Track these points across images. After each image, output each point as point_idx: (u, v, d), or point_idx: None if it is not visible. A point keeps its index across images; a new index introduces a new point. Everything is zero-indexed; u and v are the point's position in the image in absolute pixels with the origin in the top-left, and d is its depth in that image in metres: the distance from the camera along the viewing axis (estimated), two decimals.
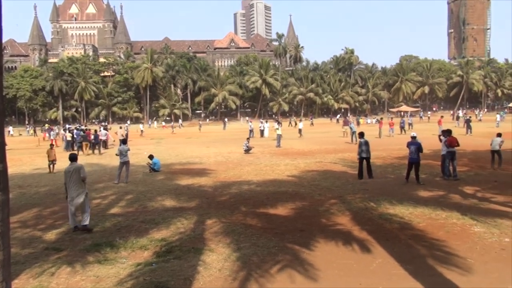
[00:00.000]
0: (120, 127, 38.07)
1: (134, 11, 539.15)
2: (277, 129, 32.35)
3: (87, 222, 9.62)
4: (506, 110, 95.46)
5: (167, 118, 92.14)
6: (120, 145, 16.98)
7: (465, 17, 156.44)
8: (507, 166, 17.06)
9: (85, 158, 24.46)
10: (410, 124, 45.38)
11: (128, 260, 7.57)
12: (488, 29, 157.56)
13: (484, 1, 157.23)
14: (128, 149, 16.78)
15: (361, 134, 16.32)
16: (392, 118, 46.23)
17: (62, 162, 23.82)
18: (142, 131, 53.74)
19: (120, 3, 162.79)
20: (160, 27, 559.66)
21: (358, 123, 60.13)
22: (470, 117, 44.20)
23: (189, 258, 7.52)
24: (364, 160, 15.66)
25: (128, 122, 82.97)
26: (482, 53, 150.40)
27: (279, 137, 30.67)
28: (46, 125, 63.30)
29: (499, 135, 17.95)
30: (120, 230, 9.52)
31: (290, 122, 68.64)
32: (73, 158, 10.18)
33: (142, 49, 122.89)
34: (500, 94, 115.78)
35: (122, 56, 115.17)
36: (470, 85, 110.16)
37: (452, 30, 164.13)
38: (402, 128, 40.47)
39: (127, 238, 8.86)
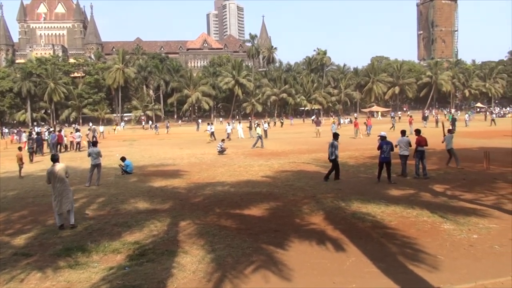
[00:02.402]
0: (89, 129, 37.54)
1: (104, 11, 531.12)
2: (256, 129, 32.29)
3: (73, 221, 9.93)
4: (473, 110, 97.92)
5: (141, 118, 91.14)
6: (90, 147, 16.71)
7: (434, 19, 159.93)
8: (474, 164, 17.49)
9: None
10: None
11: (100, 264, 7.44)
12: (455, 31, 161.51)
13: (452, 3, 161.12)
14: (99, 151, 16.50)
15: (335, 136, 16.34)
16: (369, 117, 46.81)
17: (28, 166, 23.33)
18: (102, 133, 51.47)
19: (90, 3, 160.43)
20: (131, 27, 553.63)
21: (339, 123, 60.78)
22: (453, 115, 45.29)
23: (162, 260, 7.45)
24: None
25: (91, 124, 79.79)
26: (450, 55, 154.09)
27: (258, 137, 30.65)
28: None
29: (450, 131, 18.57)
30: (91, 234, 9.36)
31: (269, 123, 68.07)
32: (55, 159, 10.38)
33: (113, 49, 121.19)
34: (467, 94, 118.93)
35: (92, 56, 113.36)
36: (439, 85, 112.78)
37: (422, 32, 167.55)
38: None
39: (99, 241, 8.72)
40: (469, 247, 7.76)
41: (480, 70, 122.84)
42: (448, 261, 7.10)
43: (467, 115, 56.95)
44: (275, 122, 61.63)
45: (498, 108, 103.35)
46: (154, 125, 66.75)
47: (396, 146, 15.36)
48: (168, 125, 64.38)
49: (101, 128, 53.89)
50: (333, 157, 15.43)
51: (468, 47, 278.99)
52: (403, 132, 15.94)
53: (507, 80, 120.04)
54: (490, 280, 6.29)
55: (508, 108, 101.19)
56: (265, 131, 40.84)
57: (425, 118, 54.36)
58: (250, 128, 44.13)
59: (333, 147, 15.47)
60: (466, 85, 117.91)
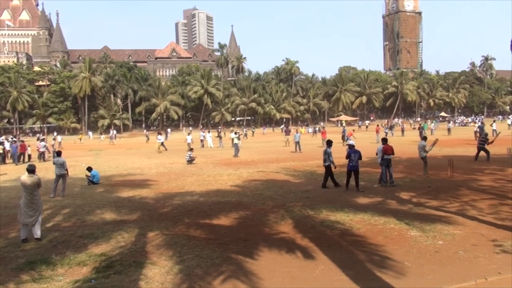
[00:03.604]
0: (54, 139, 36.66)
1: (71, 18, 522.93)
2: (234, 138, 32.23)
3: (39, 234, 9.62)
4: (438, 119, 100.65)
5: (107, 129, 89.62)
6: (55, 157, 16.31)
7: (399, 30, 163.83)
8: (439, 172, 17.91)
9: (17, 171, 23.25)
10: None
11: (65, 277, 7.23)
12: (420, 42, 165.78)
13: (416, 15, 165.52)
14: (64, 161, 16.12)
15: (329, 143, 16.36)
16: (353, 130, 47.49)
17: None
18: (60, 143, 47.19)
19: (56, 10, 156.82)
20: (99, 35, 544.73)
21: (314, 131, 61.49)
22: (420, 125, 46.42)
23: (130, 272, 7.30)
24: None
25: (55, 133, 77.21)
26: (415, 65, 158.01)
27: (236, 146, 30.54)
28: None
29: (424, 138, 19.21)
30: (56, 246, 9.10)
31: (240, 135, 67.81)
32: (32, 170, 10.17)
33: (80, 58, 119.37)
34: (432, 103, 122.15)
35: (58, 65, 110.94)
36: (404, 95, 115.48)
37: (387, 43, 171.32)
38: (343, 137, 41.43)
39: (64, 254, 8.48)
40: (434, 253, 7.91)
41: (443, 81, 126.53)
42: (415, 267, 7.22)
43: (433, 124, 58.78)
44: (245, 134, 61.46)
45: (462, 118, 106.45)
46: (111, 135, 64.09)
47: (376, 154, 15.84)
48: (113, 135, 62.59)
49: (59, 138, 51.61)
50: (326, 164, 15.48)
51: (433, 58, 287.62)
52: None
53: (469, 90, 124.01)
54: (455, 285, 6.42)
55: (469, 118, 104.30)
56: (232, 140, 40.91)
57: (391, 128, 55.49)
58: (220, 137, 44.11)
59: (326, 154, 15.54)
60: (431, 95, 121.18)
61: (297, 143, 32.25)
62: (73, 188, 17.24)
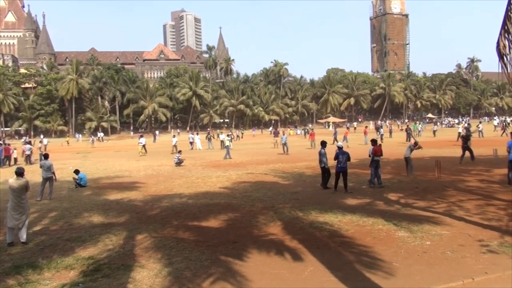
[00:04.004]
0: (40, 142, 36.27)
1: (58, 20, 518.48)
2: (224, 140, 32.23)
3: (25, 238, 9.55)
4: (425, 120, 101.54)
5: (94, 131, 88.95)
6: (42, 160, 16.14)
7: (386, 32, 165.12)
8: (426, 173, 18.06)
9: (2, 174, 22.98)
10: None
11: (52, 281, 7.15)
12: (407, 44, 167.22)
13: (403, 18, 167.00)
14: (51, 164, 15.96)
15: (324, 144, 16.28)
16: (348, 128, 47.70)
17: None
18: (46, 145, 46.02)
19: (43, 11, 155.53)
20: (86, 37, 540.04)
21: (306, 133, 61.79)
22: (408, 126, 46.70)
23: (118, 276, 7.25)
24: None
25: (42, 136, 75.43)
26: (402, 67, 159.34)
27: (227, 148, 30.51)
28: None
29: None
30: (43, 250, 9.00)
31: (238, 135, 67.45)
32: (19, 173, 10.17)
33: (67, 60, 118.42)
34: (419, 105, 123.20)
35: (45, 67, 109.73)
36: (392, 96, 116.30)
37: (375, 45, 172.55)
38: (335, 139, 41.49)
39: (51, 258, 8.38)
40: (422, 253, 7.97)
41: (430, 82, 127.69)
42: (403, 268, 7.26)
43: (420, 125, 59.37)
44: (237, 135, 61.79)
45: (448, 119, 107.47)
46: (97, 138, 63.05)
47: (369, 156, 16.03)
48: (93, 138, 61.72)
49: (45, 141, 50.71)
50: (322, 165, 15.52)
51: (420, 60, 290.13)
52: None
53: (455, 91, 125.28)
54: (442, 285, 6.47)
55: (456, 120, 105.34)
56: (222, 142, 40.95)
57: (377, 129, 55.71)
58: (210, 139, 44.01)
59: (320, 155, 15.58)
60: (418, 97, 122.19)
61: (284, 144, 32.35)
62: (60, 191, 17.08)
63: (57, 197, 15.78)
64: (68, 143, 61.40)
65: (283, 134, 35.28)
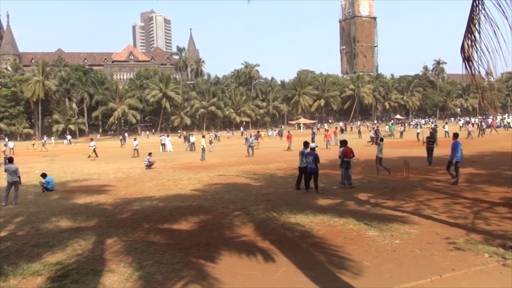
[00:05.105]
0: (5, 145, 35.27)
1: (22, 20, 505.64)
2: (200, 142, 31.95)
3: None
4: (393, 121, 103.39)
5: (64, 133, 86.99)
6: (6, 164, 15.68)
7: (355, 35, 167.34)
8: (395, 173, 18.38)
9: None
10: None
11: None
12: (375, 46, 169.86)
13: (372, 20, 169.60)
14: (17, 168, 15.53)
15: (306, 144, 16.09)
16: (334, 129, 47.68)
17: None
18: (12, 149, 44.91)
19: (7, 11, 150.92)
20: (52, 38, 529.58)
21: (281, 135, 62.27)
22: (378, 127, 47.23)
23: (87, 281, 7.10)
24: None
25: (6, 139, 71.67)
26: (371, 69, 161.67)
27: (203, 150, 30.30)
28: None
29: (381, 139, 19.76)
30: (8, 256, 8.73)
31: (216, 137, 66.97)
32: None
33: (33, 61, 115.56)
34: (387, 106, 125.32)
35: (9, 68, 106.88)
36: (361, 98, 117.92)
37: (344, 47, 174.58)
38: (313, 139, 41.60)
39: (17, 264, 8.15)
40: (392, 252, 8.10)
41: (398, 84, 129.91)
42: (373, 267, 7.36)
43: (387, 126, 60.23)
44: (217, 136, 62.12)
45: (416, 120, 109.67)
46: (42, 141, 60.43)
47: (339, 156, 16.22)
48: (43, 141, 59.88)
49: (10, 144, 49.02)
50: (303, 165, 15.42)
51: (387, 62, 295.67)
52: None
53: (422, 93, 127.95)
54: (412, 282, 6.59)
55: (423, 120, 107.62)
56: (193, 144, 40.77)
57: (342, 131, 55.82)
58: (189, 140, 43.36)
59: (302, 155, 15.53)
60: (386, 98, 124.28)
61: (251, 146, 32.16)
62: (26, 196, 16.64)
63: (23, 201, 15.36)
64: (34, 146, 59.65)
65: (250, 136, 35.20)
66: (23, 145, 64.82)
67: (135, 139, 39.84)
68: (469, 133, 42.84)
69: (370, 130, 44.91)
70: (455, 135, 17.20)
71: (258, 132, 60.73)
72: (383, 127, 60.23)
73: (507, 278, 6.68)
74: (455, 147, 15.84)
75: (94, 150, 36.07)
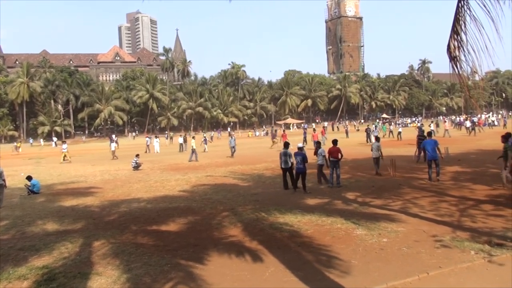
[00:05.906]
0: None
1: (6, 21, 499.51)
2: (191, 143, 31.79)
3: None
4: (380, 120, 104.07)
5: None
6: None
7: (342, 35, 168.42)
8: (382, 172, 18.50)
9: None
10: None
11: None
12: (362, 46, 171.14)
13: (358, 21, 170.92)
14: (1, 171, 15.34)
15: (286, 145, 16.26)
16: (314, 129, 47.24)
17: None
18: None
19: None
20: (37, 39, 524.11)
21: (273, 136, 61.62)
22: (368, 127, 47.40)
23: (74, 284, 7.03)
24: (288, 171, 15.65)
25: None
26: (358, 68, 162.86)
27: (193, 151, 30.15)
28: None
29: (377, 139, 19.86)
30: None
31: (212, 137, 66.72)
32: None
33: (17, 62, 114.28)
34: (374, 106, 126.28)
35: None
36: (348, 98, 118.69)
37: (331, 47, 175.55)
38: (305, 139, 41.48)
39: (3, 268, 8.04)
40: (380, 250, 8.15)
41: (384, 83, 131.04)
42: (361, 265, 7.40)
43: (374, 125, 60.77)
44: (212, 137, 62.31)
45: (402, 119, 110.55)
46: (15, 144, 59.65)
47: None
48: (15, 144, 59.17)
49: None
50: (288, 166, 15.39)
51: (373, 62, 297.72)
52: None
53: (408, 92, 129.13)
54: (399, 280, 6.64)
55: (409, 119, 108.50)
56: (182, 145, 40.76)
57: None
58: (185, 140, 43.06)
59: (286, 155, 15.49)
60: (373, 97, 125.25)
61: (232, 147, 31.86)
62: (11, 199, 16.42)
63: (8, 205, 15.16)
64: (19, 148, 58.68)
65: (231, 137, 34.66)
66: (8, 147, 64.00)
67: (113, 142, 39.04)
68: (445, 131, 43.00)
69: (369, 129, 44.53)
70: (429, 134, 17.81)
71: (275, 130, 55.60)
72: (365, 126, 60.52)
73: (493, 274, 6.76)
74: (428, 145, 16.09)
75: (65, 155, 34.36)
